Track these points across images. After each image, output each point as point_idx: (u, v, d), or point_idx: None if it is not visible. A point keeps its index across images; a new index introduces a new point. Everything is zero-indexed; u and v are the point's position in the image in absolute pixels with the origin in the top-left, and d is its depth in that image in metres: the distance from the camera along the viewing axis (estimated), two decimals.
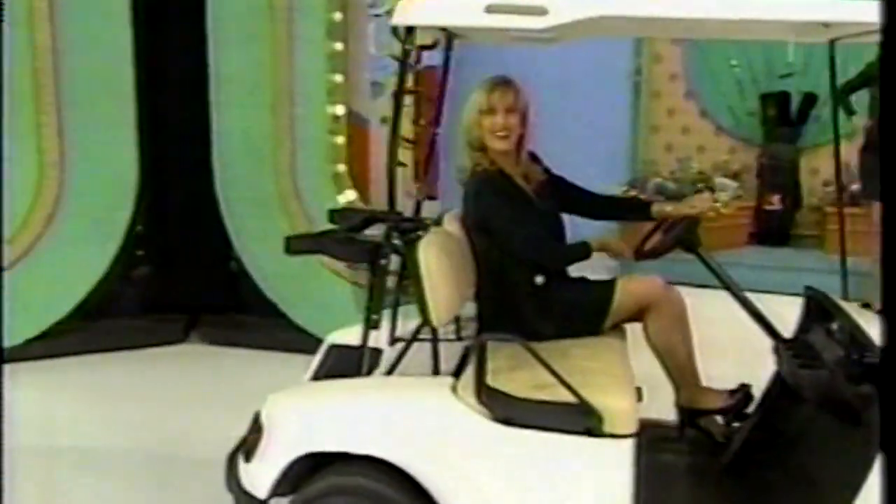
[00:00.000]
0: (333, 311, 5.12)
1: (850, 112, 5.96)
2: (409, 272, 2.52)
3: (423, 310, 2.51)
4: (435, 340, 2.74)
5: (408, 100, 6.19)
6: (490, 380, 2.44)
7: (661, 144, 7.68)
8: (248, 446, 2.60)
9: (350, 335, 3.06)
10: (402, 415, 2.48)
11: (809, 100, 6.99)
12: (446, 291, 2.53)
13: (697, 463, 2.97)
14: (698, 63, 7.29)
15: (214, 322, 5.78)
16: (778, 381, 3.02)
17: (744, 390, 3.03)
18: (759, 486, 2.81)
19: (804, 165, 7.14)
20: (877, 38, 3.03)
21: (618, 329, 3.06)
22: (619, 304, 2.94)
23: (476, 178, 2.92)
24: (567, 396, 2.36)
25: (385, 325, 2.95)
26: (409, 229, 2.68)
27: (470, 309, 3.03)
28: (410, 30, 2.45)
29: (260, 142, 5.38)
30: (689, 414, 3.07)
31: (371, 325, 2.66)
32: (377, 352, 3.01)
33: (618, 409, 2.39)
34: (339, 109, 5.31)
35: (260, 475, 2.55)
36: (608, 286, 2.96)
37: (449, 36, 3.14)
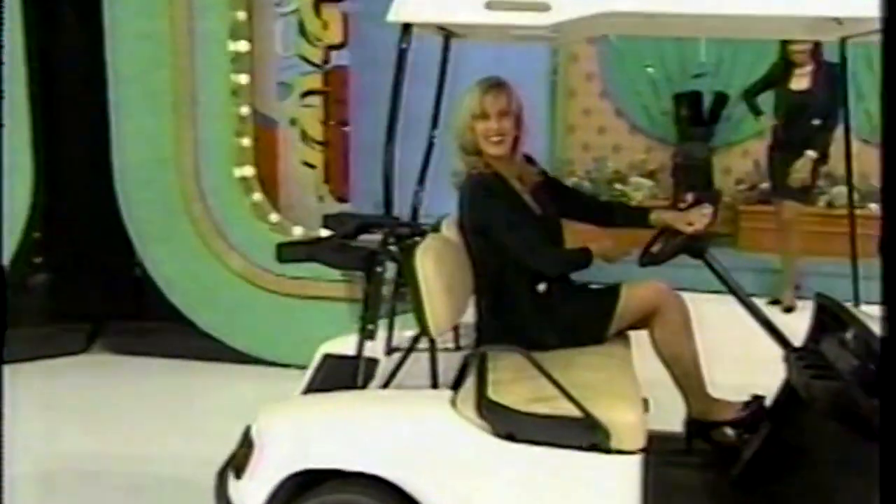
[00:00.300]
0: (240, 315, 5.04)
1: (757, 112, 6.02)
2: (406, 280, 2.39)
3: (421, 319, 2.38)
4: (433, 351, 2.61)
5: (316, 100, 6.27)
6: (491, 392, 2.32)
7: (577, 144, 7.60)
8: (238, 462, 2.46)
9: (344, 344, 2.95)
10: (399, 430, 2.35)
11: (721, 99, 7.04)
12: (444, 300, 2.40)
13: (707, 477, 2.84)
14: (613, 63, 7.27)
15: (119, 330, 5.51)
16: (788, 392, 2.90)
17: (758, 402, 2.90)
18: (771, 501, 2.68)
19: (717, 164, 7.20)
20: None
21: (622, 336, 2.93)
22: (624, 311, 2.81)
23: (471, 182, 2.79)
24: (572, 410, 2.24)
25: (381, 334, 2.85)
26: (406, 235, 2.56)
27: (469, 317, 2.91)
28: (407, 27, 2.32)
29: (161, 143, 5.15)
30: (701, 426, 2.94)
31: (366, 335, 2.53)
32: (373, 362, 2.89)
33: (625, 423, 2.26)
34: (245, 110, 5.11)
35: (250, 493, 2.41)
36: (612, 293, 2.83)
37: (446, 34, 3.01)
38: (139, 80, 5.09)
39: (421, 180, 2.99)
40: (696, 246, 2.89)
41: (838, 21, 2.37)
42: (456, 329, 3.00)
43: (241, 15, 5.09)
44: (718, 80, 7.05)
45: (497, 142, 2.75)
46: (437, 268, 2.38)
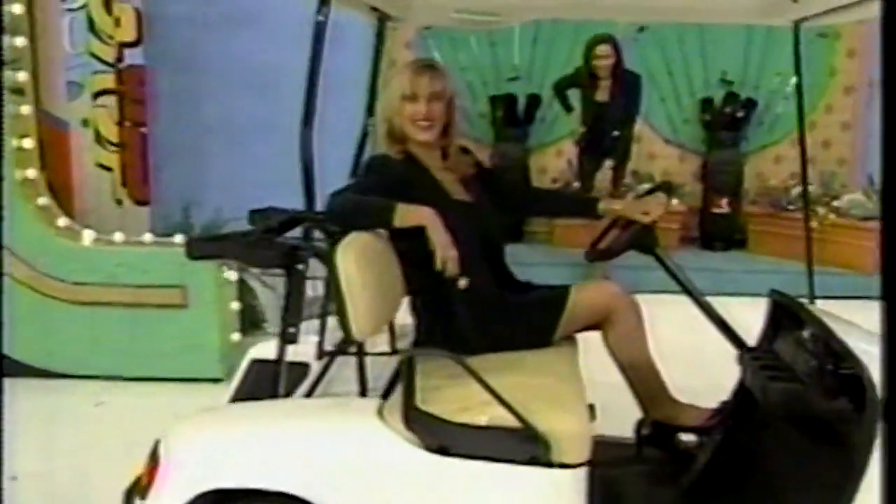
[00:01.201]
0: (24, 326, 4.43)
1: (568, 108, 6.19)
2: (329, 279, 2.11)
3: (343, 321, 2.09)
4: (360, 355, 2.32)
5: (110, 100, 5.96)
6: (421, 401, 2.03)
7: None
8: (143, 482, 2.15)
9: (273, 349, 2.66)
10: (319, 444, 2.05)
11: (534, 101, 7.14)
12: (368, 300, 2.11)
13: (657, 488, 2.58)
14: None
15: None
16: (743, 394, 2.66)
17: (727, 410, 2.65)
18: None
19: (534, 164, 7.31)
20: (839, 17, 2.73)
21: (568, 339, 2.66)
22: (572, 314, 2.53)
23: (366, 163, 2.49)
24: (509, 420, 1.96)
25: (313, 337, 2.56)
26: (335, 231, 2.27)
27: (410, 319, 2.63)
28: (325, 1, 2.04)
29: None
30: (659, 431, 2.69)
31: (288, 338, 2.24)
32: (303, 367, 2.61)
33: (568, 433, 1.98)
34: (26, 110, 4.61)
35: None
36: (559, 294, 2.55)
37: (380, 17, 2.74)
38: None
39: (354, 172, 2.70)
40: (646, 240, 2.64)
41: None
42: (392, 331, 2.72)
43: (17, 8, 4.59)
44: (532, 83, 7.20)
45: (425, 127, 2.46)
46: (359, 266, 2.10)
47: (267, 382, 2.45)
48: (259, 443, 2.07)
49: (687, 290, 2.66)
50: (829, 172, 6.95)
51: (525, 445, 1.95)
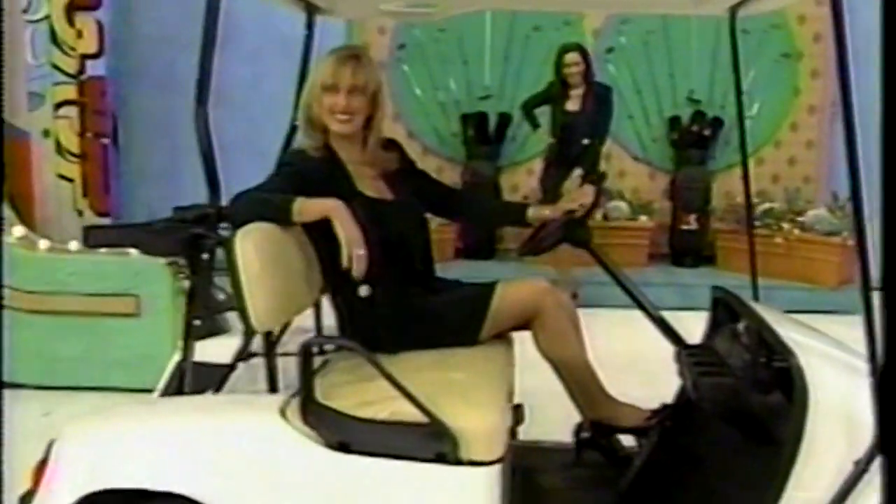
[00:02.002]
0: None
1: (535, 125, 6.06)
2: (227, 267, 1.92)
3: (243, 312, 1.90)
4: (269, 352, 2.13)
5: (72, 111, 5.82)
6: (323, 397, 1.84)
7: None
8: (32, 483, 1.95)
9: (201, 349, 2.47)
10: (213, 442, 1.86)
11: (505, 120, 7.02)
12: (269, 291, 1.92)
13: (592, 492, 2.39)
14: (402, 86, 7.15)
15: None
16: (683, 394, 2.48)
17: (667, 410, 2.45)
18: None
19: (505, 183, 7.17)
20: (774, 2, 2.58)
21: (503, 339, 2.47)
22: (498, 312, 2.33)
23: (279, 159, 2.31)
24: (416, 415, 1.78)
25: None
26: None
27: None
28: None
29: None
30: (599, 432, 2.49)
31: (194, 334, 2.05)
32: (227, 368, 2.42)
33: (478, 429, 1.79)
34: None
35: None
36: (485, 291, 2.36)
37: (308, 8, 2.58)
38: None
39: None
40: (579, 233, 2.47)
41: None
42: (319, 327, 2.54)
43: None
44: (503, 102, 7.07)
45: (343, 120, 2.26)
46: (260, 254, 1.91)
47: (193, 384, 2.27)
48: (150, 441, 1.88)
49: (624, 287, 2.48)
50: (793, 189, 6.82)
51: (431, 442, 1.76)
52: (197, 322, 2.04)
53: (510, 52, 7.07)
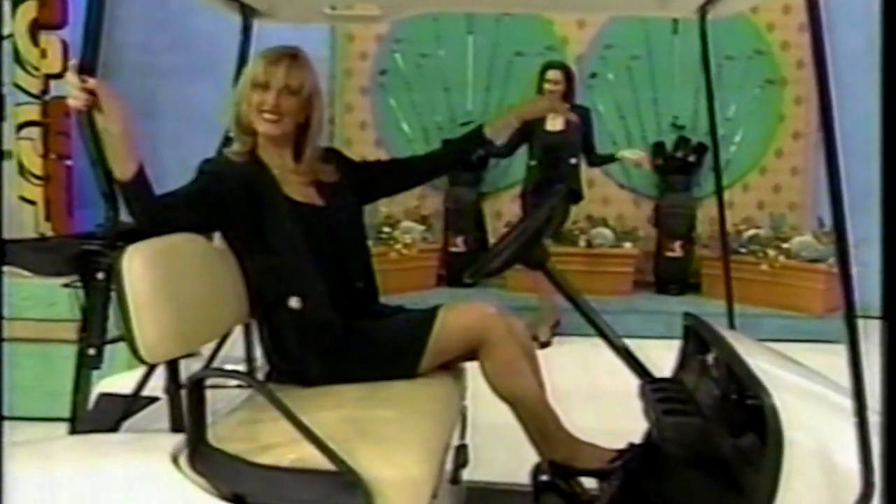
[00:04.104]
0: None
1: (507, 153, 5.69)
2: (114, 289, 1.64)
3: (130, 340, 1.62)
4: (173, 386, 1.83)
5: (34, 132, 5.56)
6: (226, 438, 1.55)
7: None
8: None
9: (124, 380, 2.19)
10: (102, 487, 1.56)
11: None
12: (161, 316, 1.64)
13: None
14: (384, 112, 6.96)
15: None
16: (650, 433, 2.18)
17: (635, 451, 2.15)
18: None
19: (488, 209, 6.92)
20: (744, 5, 2.33)
21: (452, 370, 2.18)
22: (440, 340, 2.03)
23: (199, 166, 2.04)
24: (326, 462, 1.48)
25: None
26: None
27: None
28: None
29: None
30: (561, 472, 2.19)
31: (89, 363, 1.76)
32: (149, 401, 2.12)
33: (397, 479, 1.50)
34: None
35: None
36: (426, 317, 2.07)
37: (244, 12, 2.32)
38: None
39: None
40: (535, 254, 2.19)
41: None
42: (250, 360, 2.25)
43: None
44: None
45: (271, 119, 2.00)
46: (151, 273, 1.63)
47: (108, 419, 1.99)
48: (34, 486, 1.58)
49: (585, 314, 2.20)
50: (778, 215, 6.56)
51: (340, 494, 1.47)
52: (91, 351, 1.75)
53: (492, 77, 6.86)
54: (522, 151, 5.67)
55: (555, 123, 5.49)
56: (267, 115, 2.00)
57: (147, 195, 1.77)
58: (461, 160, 2.43)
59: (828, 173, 1.54)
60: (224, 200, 1.91)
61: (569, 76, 5.41)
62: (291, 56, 2.05)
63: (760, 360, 1.75)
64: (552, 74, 5.37)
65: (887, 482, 1.36)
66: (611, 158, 5.74)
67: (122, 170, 1.70)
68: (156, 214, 1.79)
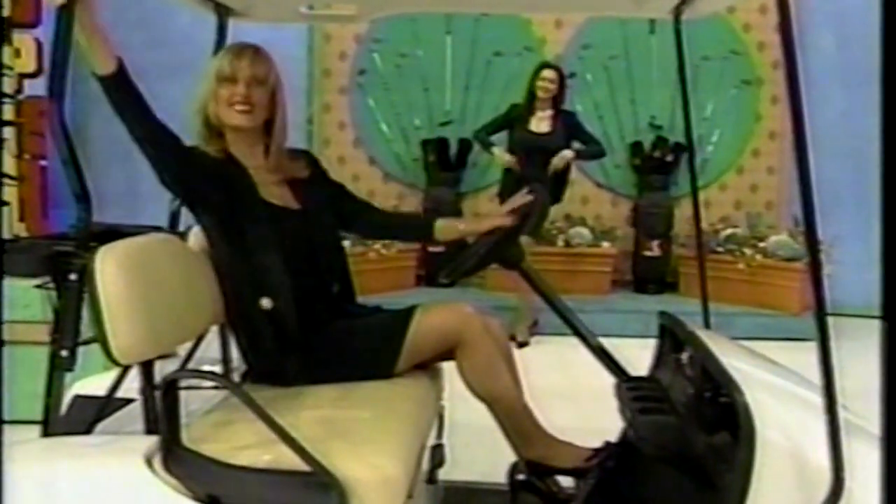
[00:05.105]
0: None
1: (488, 145, 5.65)
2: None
3: (103, 341, 1.60)
4: (147, 385, 1.82)
5: (8, 132, 5.38)
6: (200, 439, 1.54)
7: None
8: None
9: (98, 382, 2.17)
10: (76, 491, 1.55)
11: (466, 146, 6.78)
12: (134, 318, 1.62)
13: None
14: (363, 112, 6.95)
15: None
16: (625, 431, 2.19)
17: (610, 449, 2.16)
18: None
19: (467, 209, 6.91)
20: (719, 5, 2.35)
21: (427, 369, 2.18)
22: (415, 340, 2.03)
23: None
24: (300, 463, 1.48)
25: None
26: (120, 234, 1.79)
27: None
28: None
29: None
30: (538, 471, 2.19)
31: (62, 364, 1.75)
32: (123, 403, 2.11)
33: (371, 479, 1.50)
34: None
35: None
36: (402, 317, 2.06)
37: (219, 11, 2.31)
38: None
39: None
40: (510, 253, 2.19)
41: None
42: (226, 362, 2.24)
43: None
44: (464, 128, 6.78)
45: (243, 110, 1.99)
46: (124, 274, 1.62)
47: (82, 421, 1.97)
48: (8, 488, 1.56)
49: (561, 314, 2.21)
50: (755, 214, 6.62)
51: (315, 494, 1.47)
52: (64, 353, 1.73)
53: (471, 77, 6.86)
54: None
55: (540, 125, 5.49)
56: (238, 107, 1.99)
57: (132, 90, 1.82)
58: (406, 241, 2.45)
59: (798, 172, 1.55)
60: (201, 179, 1.93)
61: (562, 80, 5.42)
62: (254, 49, 2.05)
63: (734, 359, 1.77)
64: (548, 73, 5.36)
65: (888, 481, 1.38)
66: (600, 154, 5.73)
67: (103, 63, 1.71)
68: (141, 114, 1.85)
